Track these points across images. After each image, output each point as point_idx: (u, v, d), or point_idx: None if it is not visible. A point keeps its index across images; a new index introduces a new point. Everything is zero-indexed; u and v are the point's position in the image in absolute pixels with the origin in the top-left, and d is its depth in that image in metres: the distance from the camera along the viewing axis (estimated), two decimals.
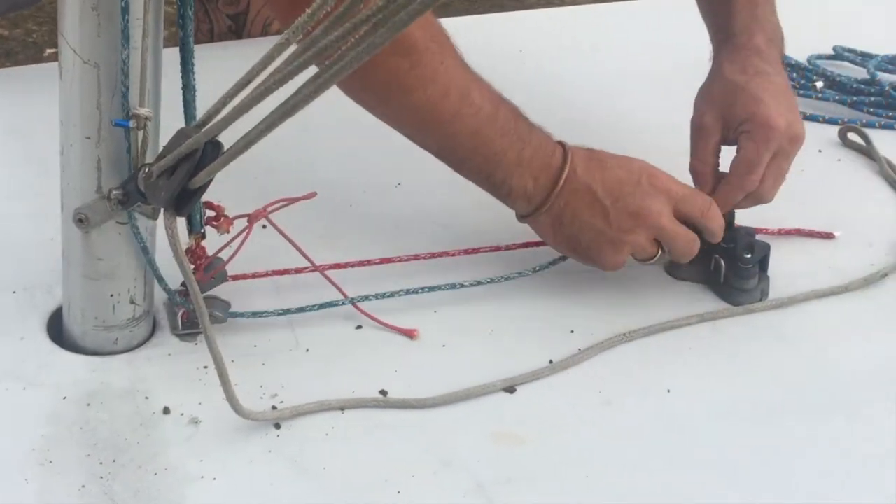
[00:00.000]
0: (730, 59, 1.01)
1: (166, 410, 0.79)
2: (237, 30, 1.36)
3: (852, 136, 1.22)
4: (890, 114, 1.27)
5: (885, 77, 1.32)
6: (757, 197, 0.97)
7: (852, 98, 1.29)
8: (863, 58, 1.40)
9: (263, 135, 0.61)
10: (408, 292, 0.91)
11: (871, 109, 1.28)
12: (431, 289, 0.92)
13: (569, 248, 0.93)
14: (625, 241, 0.90)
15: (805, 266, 1.00)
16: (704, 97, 1.01)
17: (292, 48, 0.57)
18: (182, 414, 0.79)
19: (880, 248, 1.05)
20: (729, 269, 0.95)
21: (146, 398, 0.80)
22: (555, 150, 0.91)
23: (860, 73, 1.36)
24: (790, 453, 0.81)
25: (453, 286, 0.92)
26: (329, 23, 0.51)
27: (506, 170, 0.90)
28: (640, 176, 0.90)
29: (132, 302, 0.82)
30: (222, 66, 1.10)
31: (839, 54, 1.41)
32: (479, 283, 0.93)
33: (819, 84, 1.31)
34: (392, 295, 0.91)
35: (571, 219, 0.91)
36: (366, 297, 0.90)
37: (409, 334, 0.89)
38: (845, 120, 1.25)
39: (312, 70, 0.56)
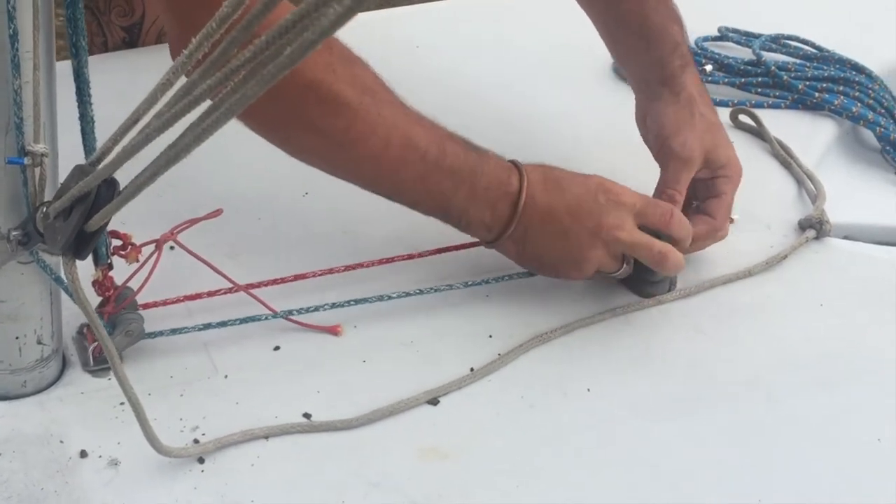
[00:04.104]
0: (698, 90, 0.99)
1: (83, 454, 0.72)
2: (132, 41, 1.27)
3: (743, 117, 1.20)
4: (777, 93, 1.25)
5: (769, 57, 1.31)
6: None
7: (740, 79, 1.27)
8: (747, 38, 1.38)
9: (159, 174, 0.55)
10: (333, 306, 0.86)
11: (759, 90, 1.26)
12: (357, 301, 0.87)
13: (535, 266, 0.90)
14: (586, 258, 0.87)
15: (708, 252, 0.97)
16: (684, 129, 0.96)
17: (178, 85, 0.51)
18: (100, 456, 0.72)
19: (778, 230, 1.03)
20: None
21: (61, 442, 0.73)
22: (510, 175, 0.86)
23: (745, 53, 1.35)
24: (714, 442, 0.78)
25: (380, 298, 0.88)
26: (205, 68, 0.45)
27: (461, 206, 0.85)
28: (597, 193, 0.86)
29: (40, 342, 0.75)
30: (118, 77, 1.03)
31: (724, 35, 1.40)
32: (408, 293, 0.89)
33: (708, 67, 1.29)
34: (317, 309, 0.86)
35: (534, 241, 0.87)
36: (289, 312, 0.85)
37: (333, 331, 0.85)
38: (735, 102, 1.24)
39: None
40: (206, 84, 0.43)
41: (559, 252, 0.87)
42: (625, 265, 0.88)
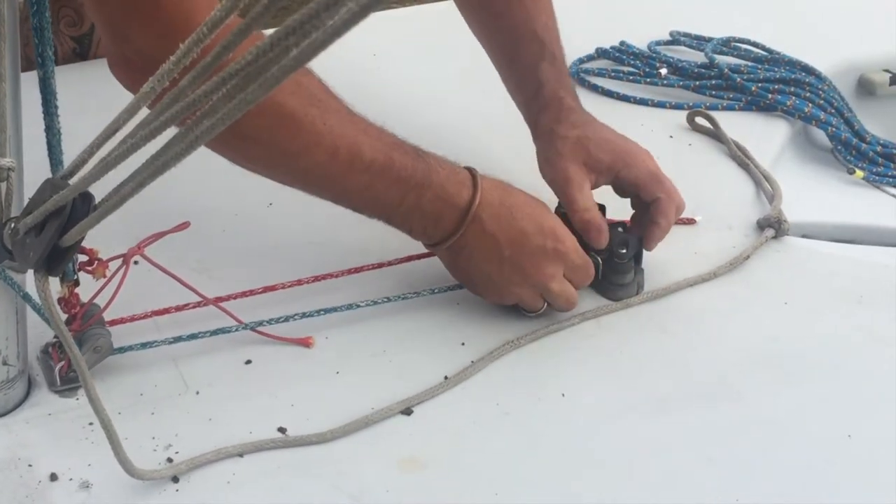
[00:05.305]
0: (588, 117, 0.98)
1: (53, 477, 0.70)
2: (82, 52, 1.24)
3: (700, 120, 1.21)
4: (731, 95, 1.27)
5: (722, 60, 1.32)
6: None
7: (695, 82, 1.28)
8: (698, 41, 1.39)
9: (144, 185, 0.53)
10: (304, 316, 0.85)
11: (713, 92, 1.28)
12: (326, 311, 0.86)
13: (463, 281, 0.90)
14: (511, 292, 0.87)
15: (673, 254, 0.98)
16: (552, 158, 0.94)
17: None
18: (71, 479, 0.70)
19: (739, 231, 1.04)
20: (606, 265, 0.92)
21: (30, 466, 0.71)
22: (461, 189, 0.85)
23: (698, 56, 1.36)
24: (688, 443, 0.78)
25: (350, 307, 0.87)
26: (195, 74, 0.44)
27: (404, 215, 0.85)
28: (546, 237, 0.86)
29: (5, 363, 0.73)
30: (70, 90, 1.00)
31: (676, 39, 1.41)
32: (375, 302, 0.88)
33: (663, 71, 1.30)
34: (287, 319, 0.84)
35: (468, 258, 0.87)
36: (259, 323, 0.84)
37: (305, 343, 0.84)
38: (690, 104, 1.25)
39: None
40: (198, 93, 0.42)
41: (486, 276, 0.87)
42: (545, 307, 0.88)
